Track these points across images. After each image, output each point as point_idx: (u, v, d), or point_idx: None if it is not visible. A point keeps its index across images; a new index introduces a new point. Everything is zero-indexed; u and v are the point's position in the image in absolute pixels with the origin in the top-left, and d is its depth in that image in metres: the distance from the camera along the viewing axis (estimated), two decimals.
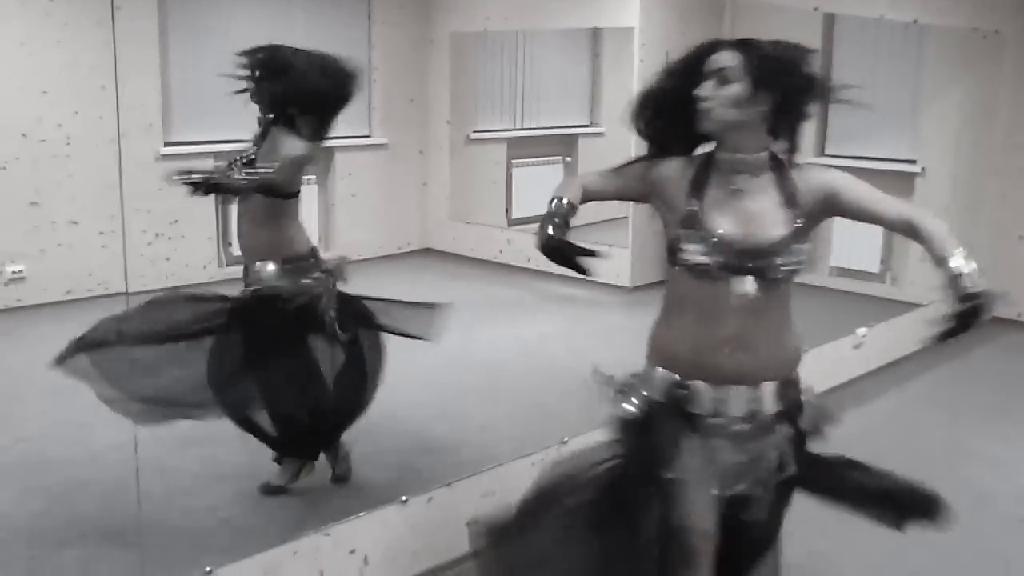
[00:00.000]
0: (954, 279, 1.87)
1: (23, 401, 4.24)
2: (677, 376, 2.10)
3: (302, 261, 3.28)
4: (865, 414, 4.64)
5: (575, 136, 8.39)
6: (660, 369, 2.13)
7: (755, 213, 2.04)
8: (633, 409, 2.15)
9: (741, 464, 2.10)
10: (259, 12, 6.75)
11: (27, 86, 5.66)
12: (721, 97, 2.00)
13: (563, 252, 2.01)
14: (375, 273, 6.61)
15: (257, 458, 3.49)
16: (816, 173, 2.09)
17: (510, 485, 3.23)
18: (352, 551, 2.87)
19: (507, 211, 8.01)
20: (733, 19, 6.77)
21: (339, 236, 6.87)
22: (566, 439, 3.42)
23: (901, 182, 6.37)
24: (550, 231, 2.03)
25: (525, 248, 7.30)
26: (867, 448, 3.99)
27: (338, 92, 3.27)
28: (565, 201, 2.08)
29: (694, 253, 2.02)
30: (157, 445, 3.46)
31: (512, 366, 5.04)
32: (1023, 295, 5.67)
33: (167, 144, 6.10)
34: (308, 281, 3.26)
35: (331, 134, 3.35)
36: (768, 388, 2.08)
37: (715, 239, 2.01)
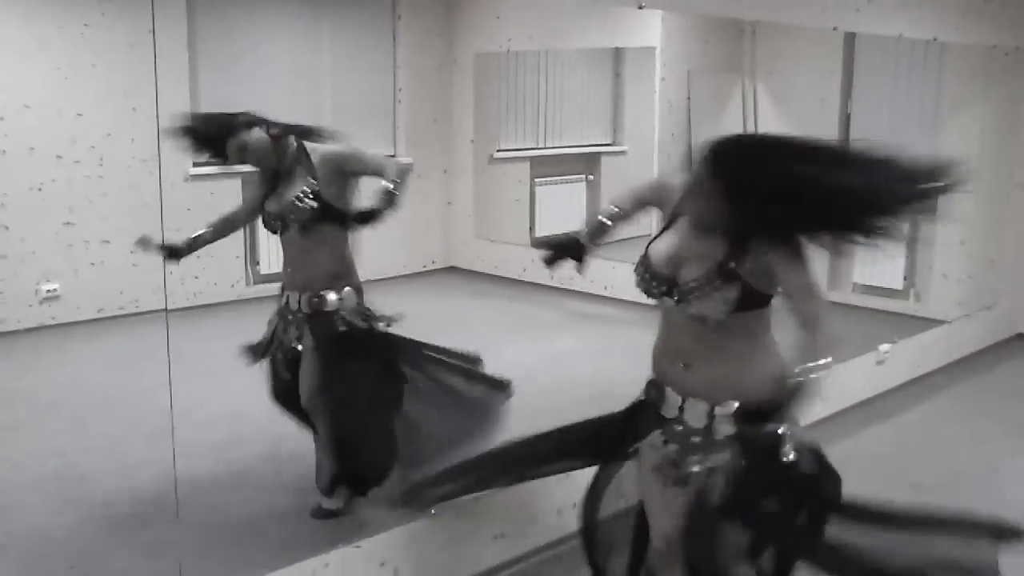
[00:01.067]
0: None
1: (59, 416, 4.33)
2: (654, 377, 2.37)
3: None
4: (890, 429, 4.64)
5: (598, 154, 8.43)
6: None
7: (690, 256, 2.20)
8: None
9: (690, 474, 2.22)
10: (286, 36, 6.87)
11: (63, 109, 5.80)
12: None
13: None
14: (400, 292, 6.67)
15: (288, 471, 3.56)
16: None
17: (536, 500, 3.29)
18: (383, 563, 2.92)
19: (531, 229, 8.06)
20: (754, 39, 6.82)
21: (364, 255, 6.93)
22: None
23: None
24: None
25: None
26: (891, 463, 4.02)
27: None
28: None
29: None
30: (192, 460, 3.54)
31: (536, 383, 5.06)
32: None
33: (195, 165, 6.21)
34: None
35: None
36: (730, 408, 2.17)
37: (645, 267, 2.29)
